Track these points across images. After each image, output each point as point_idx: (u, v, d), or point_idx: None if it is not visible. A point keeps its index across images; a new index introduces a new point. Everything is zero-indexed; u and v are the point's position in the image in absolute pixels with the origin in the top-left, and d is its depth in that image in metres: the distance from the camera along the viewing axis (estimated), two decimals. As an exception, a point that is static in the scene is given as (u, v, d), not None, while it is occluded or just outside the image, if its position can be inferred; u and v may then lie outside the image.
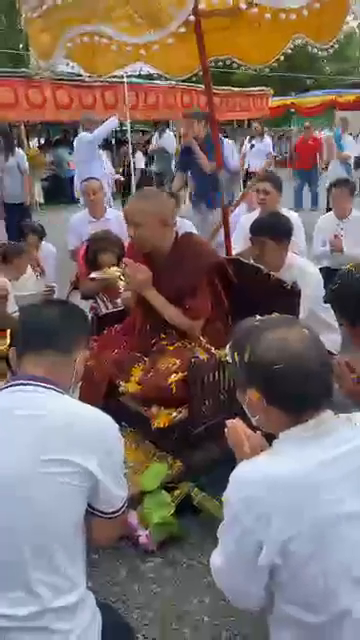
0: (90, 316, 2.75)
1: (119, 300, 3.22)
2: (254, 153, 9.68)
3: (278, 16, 1.91)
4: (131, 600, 1.92)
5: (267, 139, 10.04)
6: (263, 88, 13.66)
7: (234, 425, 1.38)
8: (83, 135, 6.33)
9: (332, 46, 2.48)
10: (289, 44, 2.68)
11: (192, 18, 1.79)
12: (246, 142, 10.32)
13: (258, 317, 1.26)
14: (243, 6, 1.82)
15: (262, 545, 1.04)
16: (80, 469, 1.20)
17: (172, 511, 2.11)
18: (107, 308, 3.36)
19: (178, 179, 5.36)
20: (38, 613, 1.14)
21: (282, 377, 1.11)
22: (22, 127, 9.98)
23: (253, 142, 9.92)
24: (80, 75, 7.24)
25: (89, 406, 1.35)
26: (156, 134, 10.15)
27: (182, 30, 1.83)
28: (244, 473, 1.13)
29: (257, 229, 2.86)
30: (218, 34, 2.73)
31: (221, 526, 1.16)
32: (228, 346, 1.29)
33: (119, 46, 1.97)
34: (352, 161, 9.22)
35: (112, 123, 6.31)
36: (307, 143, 9.95)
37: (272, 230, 2.82)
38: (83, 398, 2.05)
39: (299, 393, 1.11)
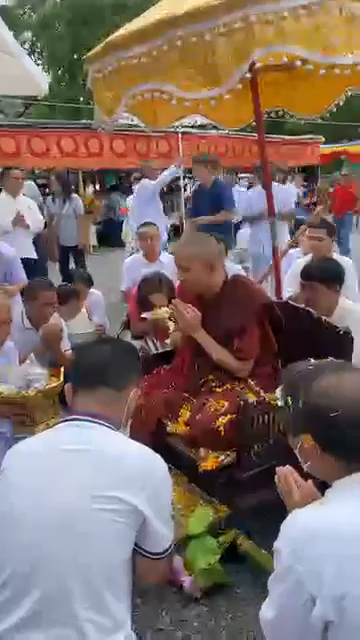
0: (140, 356, 2.79)
1: (168, 341, 3.27)
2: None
3: (332, 71, 1.98)
4: (174, 649, 1.87)
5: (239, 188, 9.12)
6: (313, 137, 13.88)
7: (284, 472, 1.35)
8: (146, 181, 6.56)
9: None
10: (342, 96, 2.76)
11: (248, 75, 1.88)
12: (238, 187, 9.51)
13: (312, 361, 1.26)
14: (298, 63, 1.91)
15: (315, 599, 1.00)
16: (129, 506, 1.22)
17: (218, 557, 2.06)
18: (156, 348, 3.42)
19: (190, 225, 5.45)
20: None
21: (338, 424, 1.09)
22: (79, 174, 10.54)
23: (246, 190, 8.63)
24: (137, 125, 7.63)
25: (139, 444, 1.37)
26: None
27: (239, 86, 1.93)
28: (296, 522, 1.09)
29: (307, 274, 2.86)
30: (272, 88, 2.85)
31: (272, 577, 1.12)
32: (280, 389, 1.29)
33: (178, 101, 2.10)
34: None
35: (173, 171, 6.56)
36: (345, 190, 9.81)
37: (323, 274, 2.81)
38: (132, 436, 2.07)
39: (354, 440, 1.09)
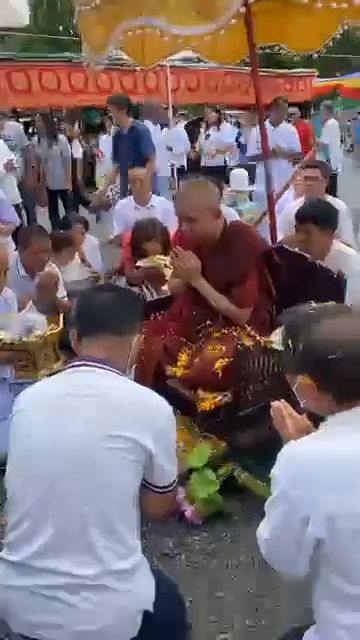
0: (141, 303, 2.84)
1: (164, 287, 3.30)
2: (212, 143, 8.54)
3: (329, 5, 1.91)
4: (179, 570, 2.03)
5: (227, 127, 9.07)
6: (306, 70, 13.29)
7: (279, 407, 1.41)
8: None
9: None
10: (338, 29, 2.66)
11: (242, 10, 1.82)
12: (202, 131, 9.28)
13: (313, 304, 1.30)
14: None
15: (308, 520, 1.10)
16: (137, 445, 1.30)
17: (217, 488, 2.21)
18: (152, 296, 3.45)
19: (111, 172, 5.18)
20: (101, 574, 1.24)
21: (336, 366, 1.15)
22: (64, 112, 10.09)
23: (209, 132, 8.68)
24: (123, 59, 7.27)
25: (145, 388, 1.45)
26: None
27: (233, 21, 1.86)
28: (292, 451, 1.18)
29: (302, 215, 2.86)
30: (267, 19, 2.72)
31: (269, 500, 1.21)
32: (280, 331, 1.33)
33: (171, 38, 2.02)
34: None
35: None
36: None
37: (318, 216, 2.81)
38: (135, 381, 2.16)
39: (352, 382, 1.16)
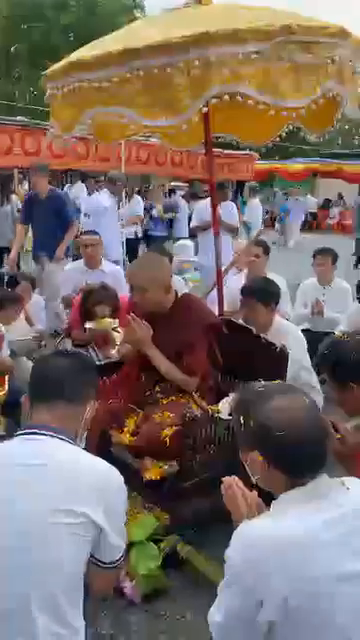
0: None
1: (112, 351, 3.32)
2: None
3: (280, 113, 2.16)
4: (116, 653, 1.94)
5: (137, 199, 9.16)
6: (249, 152, 14.36)
7: (230, 482, 1.44)
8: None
9: (324, 135, 2.76)
10: (284, 128, 2.98)
11: (205, 109, 2.01)
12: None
13: (262, 382, 1.37)
14: (251, 102, 2.06)
15: (262, 603, 1.11)
16: (86, 519, 1.26)
17: (159, 563, 2.16)
18: (97, 357, 3.45)
19: (20, 232, 5.45)
20: None
21: (284, 443, 1.21)
22: (15, 172, 10.25)
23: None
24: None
25: (96, 457, 1.41)
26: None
27: (195, 119, 2.05)
28: (246, 532, 1.19)
29: (248, 292, 3.05)
30: (223, 113, 3.00)
31: (222, 582, 1.21)
32: (226, 400, 1.38)
33: (137, 126, 2.17)
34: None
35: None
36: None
37: (262, 294, 3.02)
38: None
39: (299, 458, 1.22)
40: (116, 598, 2.14)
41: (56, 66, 2.36)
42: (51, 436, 1.35)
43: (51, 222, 5.04)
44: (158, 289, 2.37)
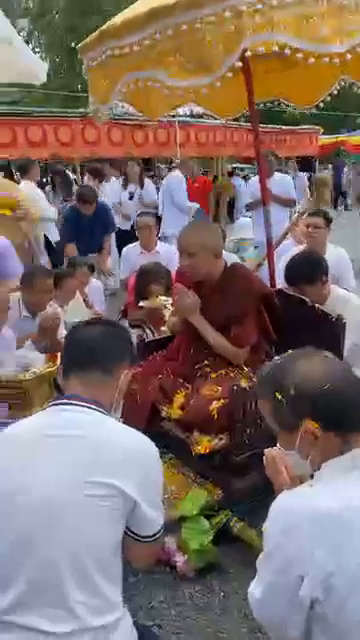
0: (136, 342, 2.84)
1: (164, 328, 3.31)
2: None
3: (321, 60, 2.00)
4: (168, 625, 1.93)
5: (150, 184, 7.14)
6: (312, 126, 13.82)
7: (272, 454, 1.35)
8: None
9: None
10: (335, 85, 2.78)
11: (239, 64, 1.91)
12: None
13: (278, 357, 1.30)
14: (287, 52, 1.92)
15: (303, 577, 1.03)
16: (119, 492, 1.22)
17: (210, 538, 2.12)
18: (153, 336, 3.45)
19: (72, 252, 5.08)
20: (76, 631, 1.16)
21: (333, 395, 1.14)
22: (77, 165, 10.47)
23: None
24: (135, 115, 7.57)
25: (130, 429, 1.37)
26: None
27: (229, 74, 1.95)
28: (285, 503, 1.12)
29: (292, 279, 2.83)
30: (265, 77, 2.86)
31: (260, 557, 1.15)
32: (263, 390, 1.28)
33: (170, 89, 2.11)
34: None
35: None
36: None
37: (304, 276, 2.79)
38: (126, 422, 2.11)
39: (349, 405, 1.14)
40: (169, 573, 2.14)
41: (89, 38, 2.34)
42: (83, 406, 1.32)
43: (98, 233, 5.04)
44: (207, 254, 2.30)
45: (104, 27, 2.21)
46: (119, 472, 1.23)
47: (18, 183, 5.11)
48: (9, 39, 3.17)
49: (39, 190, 5.70)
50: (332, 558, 1.02)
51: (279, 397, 1.20)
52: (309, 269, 2.82)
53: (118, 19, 2.14)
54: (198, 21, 1.87)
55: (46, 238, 5.30)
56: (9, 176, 6.01)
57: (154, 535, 1.33)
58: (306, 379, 1.17)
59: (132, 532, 1.30)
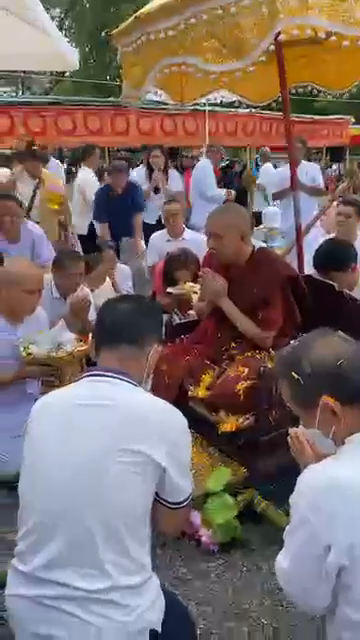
0: (164, 326, 2.89)
1: (191, 312, 3.35)
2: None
3: (356, 43, 2.00)
4: (191, 595, 1.98)
5: (174, 174, 6.49)
6: (343, 116, 13.57)
7: (297, 433, 1.40)
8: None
9: None
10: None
11: (272, 47, 1.91)
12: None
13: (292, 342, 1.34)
14: (322, 35, 1.93)
15: (330, 547, 1.07)
16: (150, 460, 1.27)
17: (235, 514, 2.17)
18: (180, 321, 3.49)
19: (104, 231, 5.13)
20: (107, 589, 1.22)
21: (350, 369, 1.17)
22: (107, 152, 10.55)
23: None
24: (165, 104, 7.57)
25: (160, 399, 1.42)
26: None
27: (263, 59, 1.96)
28: (311, 476, 1.15)
29: (319, 265, 2.86)
30: (298, 62, 2.85)
31: (287, 529, 1.18)
32: (281, 371, 1.31)
33: (204, 74, 2.14)
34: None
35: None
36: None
37: (334, 262, 2.81)
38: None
39: None
40: (193, 547, 2.20)
41: (124, 24, 2.38)
42: (115, 378, 1.36)
43: (129, 212, 5.05)
44: (235, 236, 2.33)
45: (139, 13, 2.24)
46: (149, 440, 1.28)
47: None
48: (44, 28, 3.22)
49: (95, 178, 5.77)
50: (354, 530, 1.05)
51: (296, 376, 1.23)
52: (338, 256, 2.82)
53: (154, 4, 2.17)
54: (232, 5, 1.89)
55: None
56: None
57: (183, 502, 1.38)
58: (321, 357, 1.20)
59: (162, 498, 1.35)
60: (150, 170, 5.77)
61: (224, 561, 2.15)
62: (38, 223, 4.23)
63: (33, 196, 4.69)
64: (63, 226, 4.91)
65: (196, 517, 2.20)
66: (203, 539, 2.18)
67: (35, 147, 5.32)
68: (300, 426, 1.41)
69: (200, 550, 2.19)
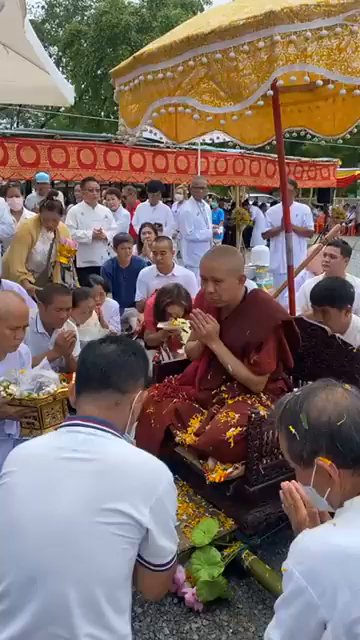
0: (152, 365, 2.81)
1: (180, 351, 3.28)
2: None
3: (353, 92, 2.01)
4: (173, 662, 1.85)
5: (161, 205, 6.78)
6: (330, 159, 14.00)
7: (290, 487, 1.32)
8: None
9: None
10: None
11: (270, 93, 1.92)
12: None
13: (297, 389, 1.26)
14: (320, 82, 1.94)
15: (326, 624, 0.98)
16: (132, 520, 1.18)
17: (221, 570, 2.04)
18: (169, 358, 3.42)
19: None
20: None
21: (348, 431, 1.09)
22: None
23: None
24: (158, 141, 7.72)
25: (144, 452, 1.32)
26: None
27: (260, 103, 1.96)
28: (307, 544, 1.06)
29: (317, 297, 2.83)
30: (294, 107, 2.89)
31: (280, 598, 1.08)
32: (279, 423, 1.23)
33: (201, 115, 2.13)
34: None
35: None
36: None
37: (333, 297, 2.79)
38: (139, 445, 2.06)
39: None
40: (176, 605, 2.07)
41: (123, 63, 2.38)
42: (96, 428, 1.27)
43: (134, 286, 4.65)
44: (233, 279, 2.28)
45: (138, 53, 2.25)
46: (133, 498, 1.19)
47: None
48: (42, 64, 3.26)
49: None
50: (357, 603, 0.96)
51: (293, 431, 1.16)
52: (338, 291, 2.80)
53: (154, 45, 2.18)
54: (232, 50, 1.90)
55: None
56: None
57: (166, 564, 1.28)
58: (321, 413, 1.12)
59: (144, 560, 1.25)
60: (141, 244, 5.70)
61: (208, 622, 2.02)
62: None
63: (50, 253, 4.46)
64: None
65: (180, 572, 2.07)
66: (187, 597, 2.04)
67: (56, 198, 5.19)
68: (294, 480, 1.33)
69: (184, 609, 2.05)
